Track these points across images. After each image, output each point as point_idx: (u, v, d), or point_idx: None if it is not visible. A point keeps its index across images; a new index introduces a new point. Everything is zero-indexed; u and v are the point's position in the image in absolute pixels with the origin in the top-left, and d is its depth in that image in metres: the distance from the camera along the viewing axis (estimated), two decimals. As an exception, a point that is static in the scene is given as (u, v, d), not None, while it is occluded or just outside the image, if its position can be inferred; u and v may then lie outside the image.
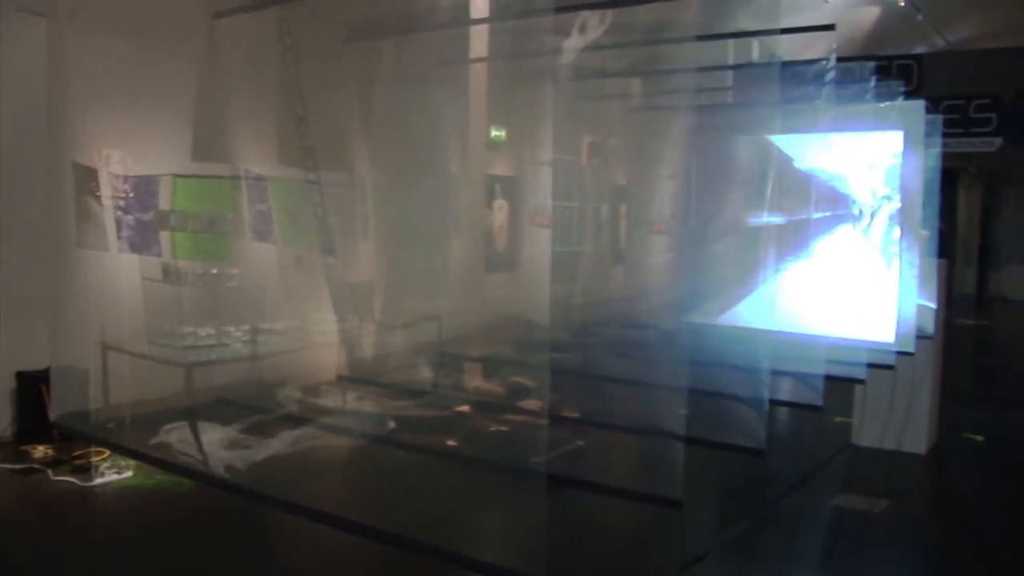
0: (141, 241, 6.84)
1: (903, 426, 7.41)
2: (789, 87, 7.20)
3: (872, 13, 18.51)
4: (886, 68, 13.66)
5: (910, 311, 6.39)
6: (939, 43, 19.95)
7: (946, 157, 15.11)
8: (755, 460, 5.75)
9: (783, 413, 9.08)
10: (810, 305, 6.82)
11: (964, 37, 19.70)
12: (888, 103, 7.18)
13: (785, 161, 6.93)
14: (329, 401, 6.90)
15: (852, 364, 6.52)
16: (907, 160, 6.36)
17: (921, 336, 6.79)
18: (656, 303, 7.45)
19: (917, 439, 7.42)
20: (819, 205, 6.99)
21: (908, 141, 6.39)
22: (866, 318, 6.54)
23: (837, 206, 6.90)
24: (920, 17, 18.55)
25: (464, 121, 8.73)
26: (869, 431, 7.56)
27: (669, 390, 5.43)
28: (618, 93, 9.11)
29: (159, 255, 6.82)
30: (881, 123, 6.58)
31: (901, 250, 6.42)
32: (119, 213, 6.69)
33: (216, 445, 6.00)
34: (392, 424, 7.52)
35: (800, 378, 5.87)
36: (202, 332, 6.46)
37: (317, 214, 8.34)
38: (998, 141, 12.79)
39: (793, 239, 6.84)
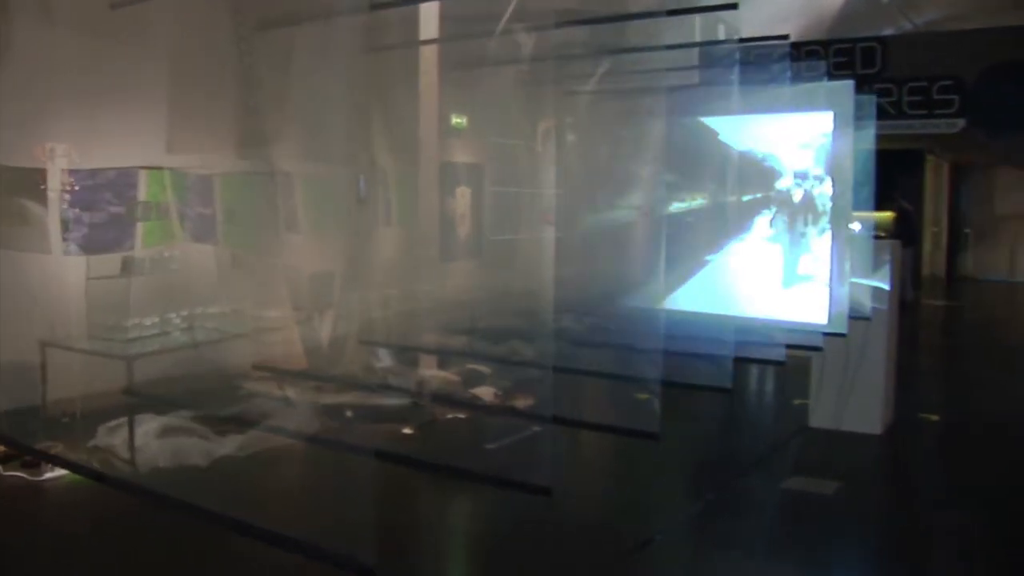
0: (112, 237, 6.72)
1: (858, 407, 7.40)
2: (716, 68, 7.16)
3: (840, -5, 18.57)
4: (850, 50, 13.67)
5: (843, 292, 6.37)
6: (906, 26, 20.04)
7: (910, 138, 15.21)
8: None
9: (744, 395, 9.11)
10: (747, 288, 6.81)
11: (930, 19, 19.78)
12: (816, 84, 7.14)
13: (718, 143, 6.89)
14: (260, 393, 6.79)
15: (775, 346, 6.48)
16: (838, 141, 6.33)
17: (858, 317, 6.77)
18: (598, 289, 7.40)
19: (872, 420, 7.42)
20: (752, 187, 6.95)
21: (838, 122, 6.35)
22: (802, 300, 6.52)
23: (770, 188, 6.87)
24: (886, 0, 18.62)
25: (413, 107, 8.62)
26: (825, 413, 7.55)
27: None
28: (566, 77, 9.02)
29: (132, 248, 6.73)
30: (810, 104, 6.54)
31: (833, 231, 6.40)
32: (76, 211, 6.58)
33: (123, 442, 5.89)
34: (349, 414, 7.49)
35: (711, 360, 5.81)
36: (147, 322, 6.35)
37: (272, 205, 8.27)
38: (960, 122, 12.81)
39: (728, 221, 6.82)
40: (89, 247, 6.52)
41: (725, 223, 6.83)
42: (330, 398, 7.30)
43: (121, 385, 6.07)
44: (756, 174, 6.89)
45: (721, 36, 17.48)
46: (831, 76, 13.38)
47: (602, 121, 8.39)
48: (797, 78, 8.62)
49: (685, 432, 7.64)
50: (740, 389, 9.08)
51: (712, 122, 7.11)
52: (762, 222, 6.87)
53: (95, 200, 6.45)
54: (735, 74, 6.72)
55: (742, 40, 7.92)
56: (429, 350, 8.22)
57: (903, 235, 16.79)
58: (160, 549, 4.93)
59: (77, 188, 6.59)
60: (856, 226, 7.73)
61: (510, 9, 6.95)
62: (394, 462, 5.77)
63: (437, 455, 6.39)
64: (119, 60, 6.94)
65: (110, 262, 6.54)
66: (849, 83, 6.81)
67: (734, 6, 6.69)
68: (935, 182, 21.59)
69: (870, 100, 7.26)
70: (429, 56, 8.64)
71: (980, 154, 18.16)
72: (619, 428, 5.86)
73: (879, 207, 17.57)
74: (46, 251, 6.43)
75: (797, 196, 6.71)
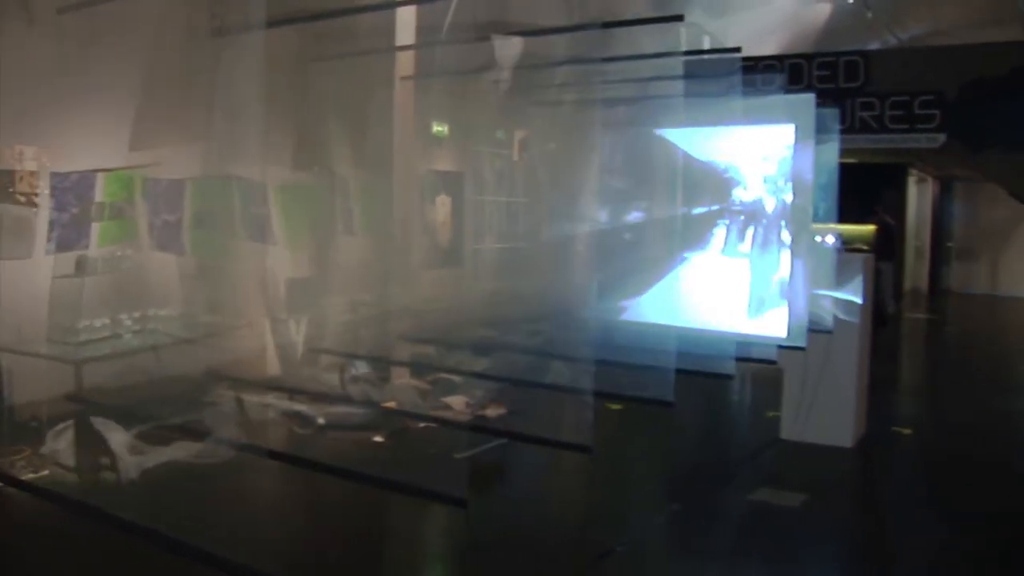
0: (74, 236, 6.72)
1: (829, 420, 7.41)
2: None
3: (824, 10, 18.66)
4: (833, 64, 13.71)
5: (802, 306, 6.37)
6: (891, 40, 20.16)
7: (893, 153, 15.25)
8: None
9: (716, 406, 9.11)
10: (707, 300, 6.82)
11: (915, 35, 19.91)
12: (777, 96, 7.15)
13: (679, 155, 6.90)
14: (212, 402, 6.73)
15: (727, 359, 6.47)
16: (798, 154, 6.34)
17: (818, 330, 6.77)
18: (561, 299, 7.40)
19: (843, 432, 7.43)
20: (713, 199, 6.95)
21: (799, 135, 6.37)
22: (762, 312, 6.53)
23: (731, 200, 6.87)
24: (870, 15, 18.72)
25: (387, 114, 8.63)
26: (796, 425, 7.56)
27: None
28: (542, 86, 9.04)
29: (87, 247, 6.71)
30: (771, 117, 6.55)
31: (792, 244, 6.41)
32: (55, 212, 6.58)
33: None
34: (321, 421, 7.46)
35: (653, 372, 5.80)
36: (98, 324, 6.31)
37: (250, 211, 8.25)
38: (941, 137, 12.84)
39: (688, 233, 6.82)
40: (60, 247, 6.54)
41: (686, 234, 6.83)
42: (289, 406, 7.30)
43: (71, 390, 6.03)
44: (718, 186, 6.89)
45: (706, 46, 17.50)
46: (814, 89, 13.47)
47: (564, 131, 8.40)
48: (773, 92, 8.65)
49: (656, 443, 7.68)
50: (714, 400, 9.11)
51: (674, 134, 7.11)
52: (722, 234, 6.88)
53: (64, 202, 6.44)
54: (718, 86, 6.72)
55: (687, 52, 7.90)
56: (376, 359, 8.19)
57: (884, 248, 16.90)
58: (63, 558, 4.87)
59: (52, 190, 6.62)
60: (830, 239, 7.76)
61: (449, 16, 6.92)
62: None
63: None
64: (84, 63, 6.91)
65: (68, 262, 6.52)
66: (810, 96, 6.81)
67: (680, 18, 6.70)
68: (919, 196, 21.69)
69: (833, 114, 7.28)
70: (406, 63, 8.65)
71: (962, 169, 18.24)
72: (550, 440, 5.80)
73: (861, 220, 17.73)
74: (27, 254, 6.48)
75: (758, 208, 6.72)
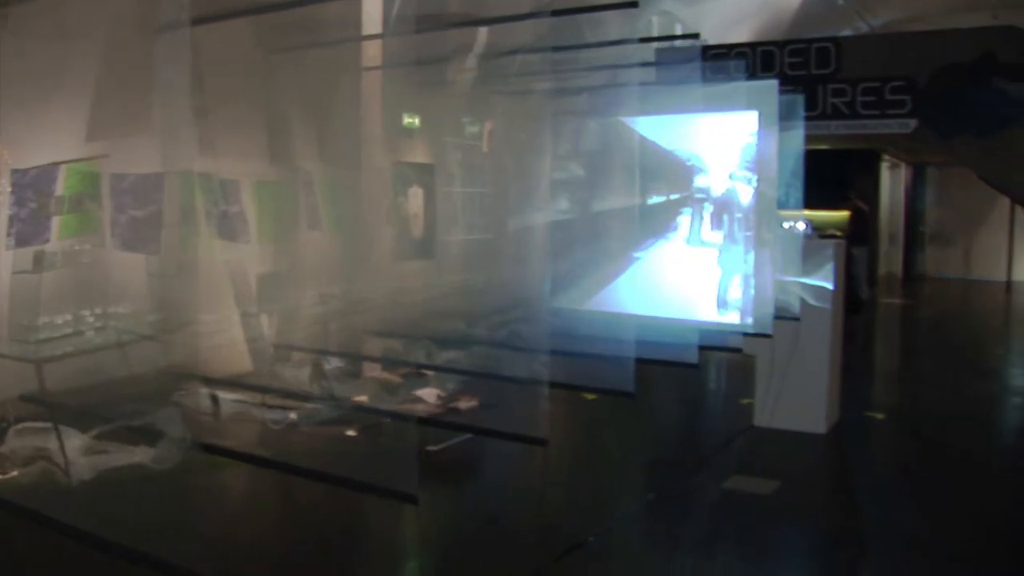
0: (33, 231, 6.60)
1: (802, 406, 7.40)
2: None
3: (797, -3, 18.71)
4: (805, 51, 13.72)
5: (768, 293, 6.35)
6: (862, 27, 20.23)
7: (866, 138, 15.30)
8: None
9: (691, 394, 9.10)
10: (673, 289, 6.78)
11: (886, 21, 19.99)
12: (739, 83, 7.10)
13: (642, 143, 6.84)
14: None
15: (690, 347, 6.42)
16: (762, 140, 6.30)
17: (785, 317, 6.74)
18: (527, 290, 7.34)
19: (816, 419, 7.42)
20: (678, 187, 6.90)
21: (763, 121, 6.33)
22: (727, 300, 6.51)
23: (696, 188, 6.83)
24: (841, 1, 18.78)
25: (355, 107, 8.53)
26: (770, 412, 7.55)
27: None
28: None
29: (47, 241, 6.58)
30: (734, 104, 6.50)
31: (757, 232, 6.37)
32: (14, 208, 6.45)
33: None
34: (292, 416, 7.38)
35: (612, 362, 5.74)
36: (59, 320, 6.19)
37: (218, 206, 8.14)
38: (912, 123, 12.88)
39: (652, 222, 6.78)
40: (19, 242, 6.42)
41: (649, 223, 6.78)
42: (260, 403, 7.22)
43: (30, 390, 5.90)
44: (681, 174, 6.85)
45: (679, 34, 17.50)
46: (785, 76, 13.48)
47: (528, 121, 8.33)
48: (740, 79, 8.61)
49: (631, 432, 7.66)
50: (688, 388, 9.10)
51: (637, 122, 7.05)
52: (687, 222, 6.83)
53: (23, 197, 6.32)
54: (680, 73, 6.67)
55: (644, 40, 7.84)
56: (345, 353, 8.11)
57: (858, 234, 16.95)
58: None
59: (12, 186, 6.50)
60: (800, 225, 7.75)
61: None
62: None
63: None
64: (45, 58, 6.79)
65: (27, 257, 6.39)
66: (772, 82, 6.76)
67: (634, 4, 6.64)
68: (892, 181, 21.80)
69: (798, 100, 7.24)
70: (374, 54, 8.54)
71: (934, 154, 18.34)
72: (505, 433, 5.75)
73: (835, 206, 17.80)
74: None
75: (722, 196, 6.68)
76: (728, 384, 9.71)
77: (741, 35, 17.45)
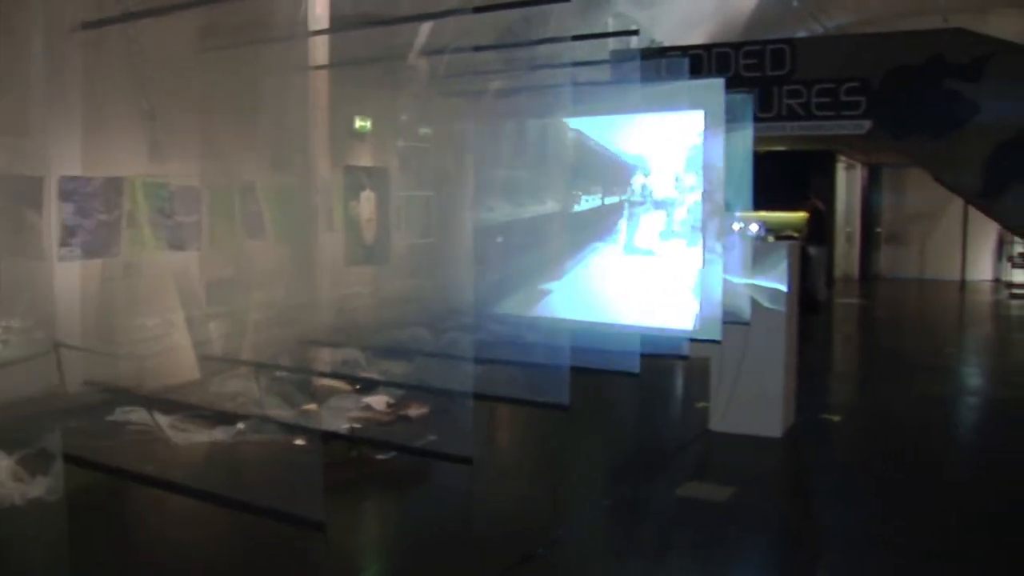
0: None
1: (758, 410, 7.31)
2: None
3: (751, 0, 18.76)
4: (760, 52, 13.72)
5: (715, 297, 6.22)
6: (817, 29, 20.34)
7: (822, 139, 15.36)
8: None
9: (644, 398, 8.99)
10: (621, 294, 6.63)
11: (840, 23, 20.12)
12: (685, 82, 6.95)
13: (585, 145, 6.69)
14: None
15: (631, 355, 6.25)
16: (708, 141, 6.16)
17: (734, 322, 6.62)
18: (460, 297, 7.20)
19: (772, 422, 7.33)
20: (623, 189, 6.75)
21: (709, 120, 6.19)
22: (674, 305, 6.37)
23: (640, 190, 6.69)
24: (796, 3, 18.86)
25: (301, 111, 8.33)
26: (725, 416, 7.44)
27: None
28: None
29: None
30: (680, 103, 6.36)
31: (704, 233, 6.23)
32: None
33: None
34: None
35: (550, 371, 5.59)
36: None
37: (164, 212, 7.91)
38: (867, 124, 12.93)
39: (596, 225, 6.63)
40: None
41: (590, 226, 6.62)
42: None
43: None
44: (623, 176, 6.69)
45: (633, 39, 17.45)
46: (741, 78, 13.47)
47: (470, 122, 8.18)
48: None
49: (585, 438, 7.53)
50: (644, 390, 8.98)
51: (579, 123, 6.89)
52: (630, 225, 6.68)
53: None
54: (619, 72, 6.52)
55: (580, 37, 7.71)
56: (265, 364, 7.91)
57: (816, 234, 17.01)
58: None
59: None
60: (753, 227, 7.67)
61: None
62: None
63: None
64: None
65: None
66: (719, 81, 6.62)
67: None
68: (848, 182, 21.94)
69: (745, 100, 7.13)
70: (320, 56, 8.35)
71: (889, 155, 18.46)
72: (429, 452, 5.58)
73: (793, 207, 17.82)
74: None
75: (667, 198, 6.53)
76: (684, 387, 9.61)
77: (697, 37, 17.44)
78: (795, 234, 16.76)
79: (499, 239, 7.15)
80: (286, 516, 4.20)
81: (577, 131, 6.84)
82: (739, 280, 6.57)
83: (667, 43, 16.22)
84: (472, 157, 7.33)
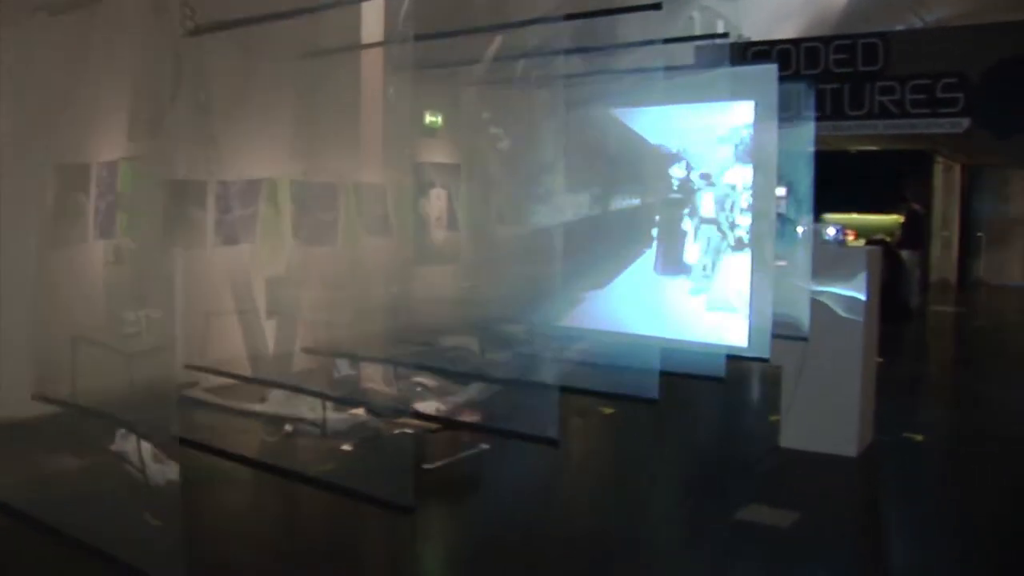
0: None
1: (832, 427, 6.82)
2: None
3: (844, -9, 18.05)
4: (851, 47, 13.13)
5: (765, 309, 5.70)
6: (916, 23, 19.42)
7: (918, 139, 14.61)
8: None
9: (714, 409, 8.57)
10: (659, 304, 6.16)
11: (941, 16, 19.16)
12: (733, 69, 6.41)
13: (627, 139, 6.24)
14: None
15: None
16: (760, 135, 5.62)
17: (786, 337, 6.09)
18: (507, 305, 6.90)
19: (846, 440, 6.83)
20: (667, 189, 6.25)
21: (760, 113, 5.65)
22: (721, 318, 5.88)
23: (688, 190, 6.20)
24: (892, -4, 18.04)
25: (356, 105, 8.19)
26: (796, 432, 6.98)
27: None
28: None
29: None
30: (725, 93, 5.82)
31: (753, 239, 5.71)
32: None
33: None
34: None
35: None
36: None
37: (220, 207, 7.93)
38: (965, 121, 12.23)
39: (641, 226, 6.17)
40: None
41: (638, 229, 6.17)
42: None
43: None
44: (672, 174, 6.21)
45: (720, 31, 16.97)
46: (831, 74, 12.90)
47: (537, 117, 7.87)
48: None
49: (645, 450, 7.18)
50: (710, 401, 8.56)
51: (625, 116, 6.43)
52: (681, 227, 6.19)
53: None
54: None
55: (667, 40, 7.30)
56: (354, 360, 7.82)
57: (910, 239, 16.22)
58: None
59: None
60: (830, 231, 7.18)
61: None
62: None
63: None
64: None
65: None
66: (771, 67, 6.04)
67: (657, 7, 6.09)
68: (946, 184, 20.92)
69: (805, 91, 6.56)
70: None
71: (990, 155, 17.50)
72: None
73: (886, 210, 17.05)
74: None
75: (712, 200, 6.02)
76: (758, 398, 9.12)
77: (787, 32, 16.81)
78: (887, 238, 16.01)
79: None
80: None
81: (620, 122, 6.41)
82: (807, 288, 6.05)
83: (755, 38, 15.65)
84: (551, 152, 6.98)
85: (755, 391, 9.27)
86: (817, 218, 9.39)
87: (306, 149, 7.87)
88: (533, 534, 5.35)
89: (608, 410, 7.94)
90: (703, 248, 6.10)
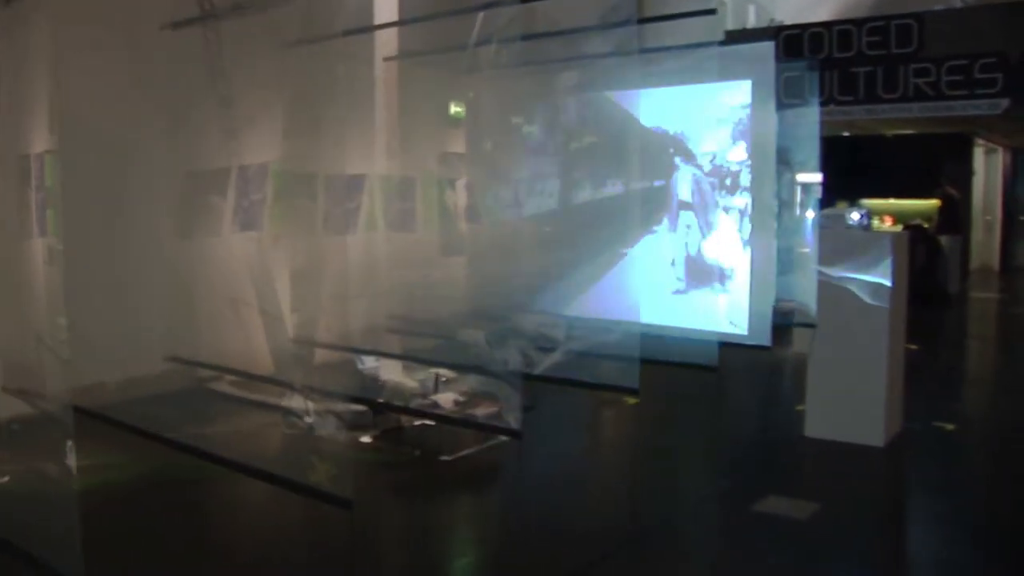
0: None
1: (859, 416, 6.67)
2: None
3: (881, -27, 17.67)
4: (884, 28, 12.87)
5: (767, 295, 5.54)
6: (955, 3, 18.95)
7: (956, 121, 14.28)
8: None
9: (740, 394, 8.44)
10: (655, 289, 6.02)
11: (981, -3, 18.70)
12: (727, 47, 6.21)
13: (624, 122, 6.08)
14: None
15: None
16: (757, 116, 5.43)
17: (799, 324, 5.92)
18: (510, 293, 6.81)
19: (874, 430, 6.67)
20: (663, 173, 6.08)
21: (758, 93, 5.45)
22: (718, 304, 5.74)
23: (683, 173, 6.03)
24: (932, -23, 17.61)
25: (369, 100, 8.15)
26: (821, 421, 6.84)
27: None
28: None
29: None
30: (718, 72, 5.62)
31: (753, 223, 5.55)
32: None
33: None
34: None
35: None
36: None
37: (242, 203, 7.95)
38: (1004, 102, 11.93)
39: (634, 213, 6.01)
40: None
41: (633, 215, 6.01)
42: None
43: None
44: (667, 157, 6.04)
45: (751, 18, 16.73)
46: (864, 57, 12.65)
47: (512, 100, 7.77)
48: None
49: (667, 438, 7.08)
50: (736, 386, 8.43)
51: (620, 98, 6.27)
52: (671, 215, 6.04)
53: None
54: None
55: (643, 20, 7.13)
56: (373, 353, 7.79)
57: (948, 223, 15.88)
58: None
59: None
60: (854, 215, 7.02)
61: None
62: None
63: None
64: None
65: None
66: (768, 44, 5.82)
67: (712, 12, 5.92)
68: (988, 167, 20.45)
69: (808, 72, 6.33)
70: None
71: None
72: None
73: (923, 194, 16.69)
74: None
75: (712, 184, 5.87)
76: (786, 386, 8.96)
77: (821, 15, 16.50)
78: (924, 223, 15.68)
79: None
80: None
81: (615, 104, 6.27)
82: (830, 274, 5.89)
83: (788, 22, 15.38)
84: (564, 138, 6.85)
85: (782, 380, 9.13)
86: (853, 202, 9.22)
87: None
88: (550, 524, 5.29)
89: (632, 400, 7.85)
90: (703, 233, 5.99)
